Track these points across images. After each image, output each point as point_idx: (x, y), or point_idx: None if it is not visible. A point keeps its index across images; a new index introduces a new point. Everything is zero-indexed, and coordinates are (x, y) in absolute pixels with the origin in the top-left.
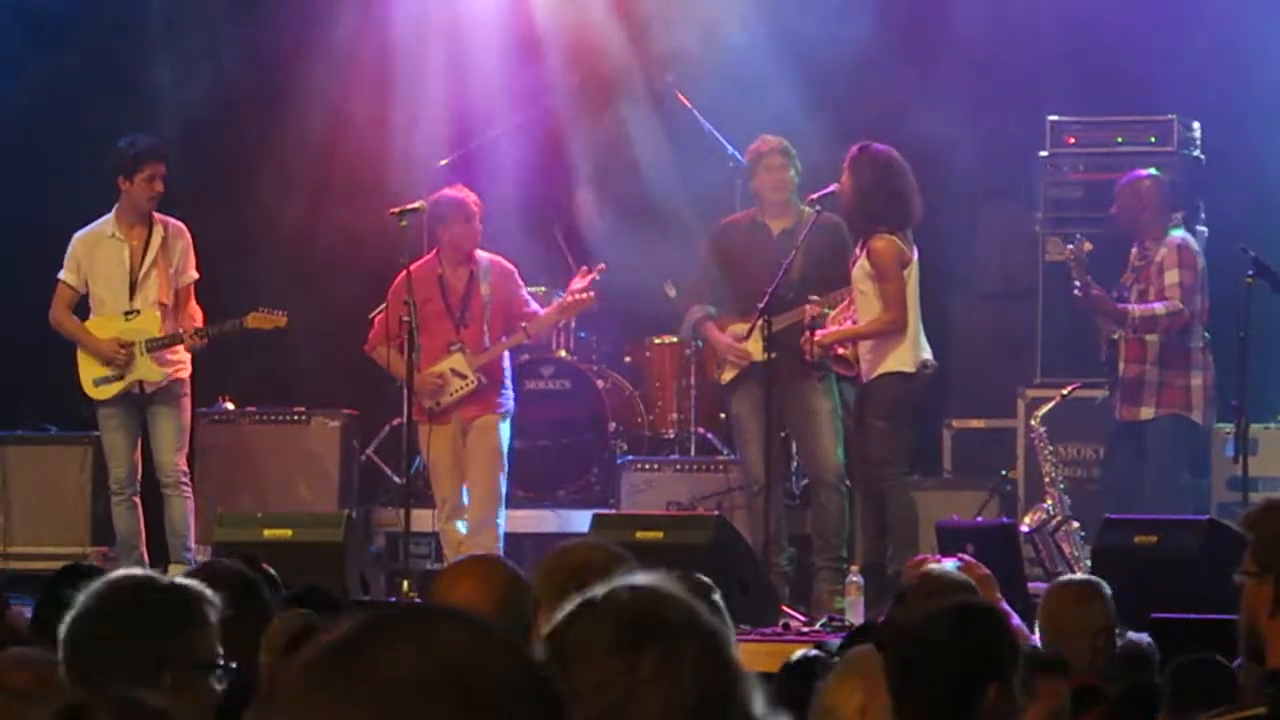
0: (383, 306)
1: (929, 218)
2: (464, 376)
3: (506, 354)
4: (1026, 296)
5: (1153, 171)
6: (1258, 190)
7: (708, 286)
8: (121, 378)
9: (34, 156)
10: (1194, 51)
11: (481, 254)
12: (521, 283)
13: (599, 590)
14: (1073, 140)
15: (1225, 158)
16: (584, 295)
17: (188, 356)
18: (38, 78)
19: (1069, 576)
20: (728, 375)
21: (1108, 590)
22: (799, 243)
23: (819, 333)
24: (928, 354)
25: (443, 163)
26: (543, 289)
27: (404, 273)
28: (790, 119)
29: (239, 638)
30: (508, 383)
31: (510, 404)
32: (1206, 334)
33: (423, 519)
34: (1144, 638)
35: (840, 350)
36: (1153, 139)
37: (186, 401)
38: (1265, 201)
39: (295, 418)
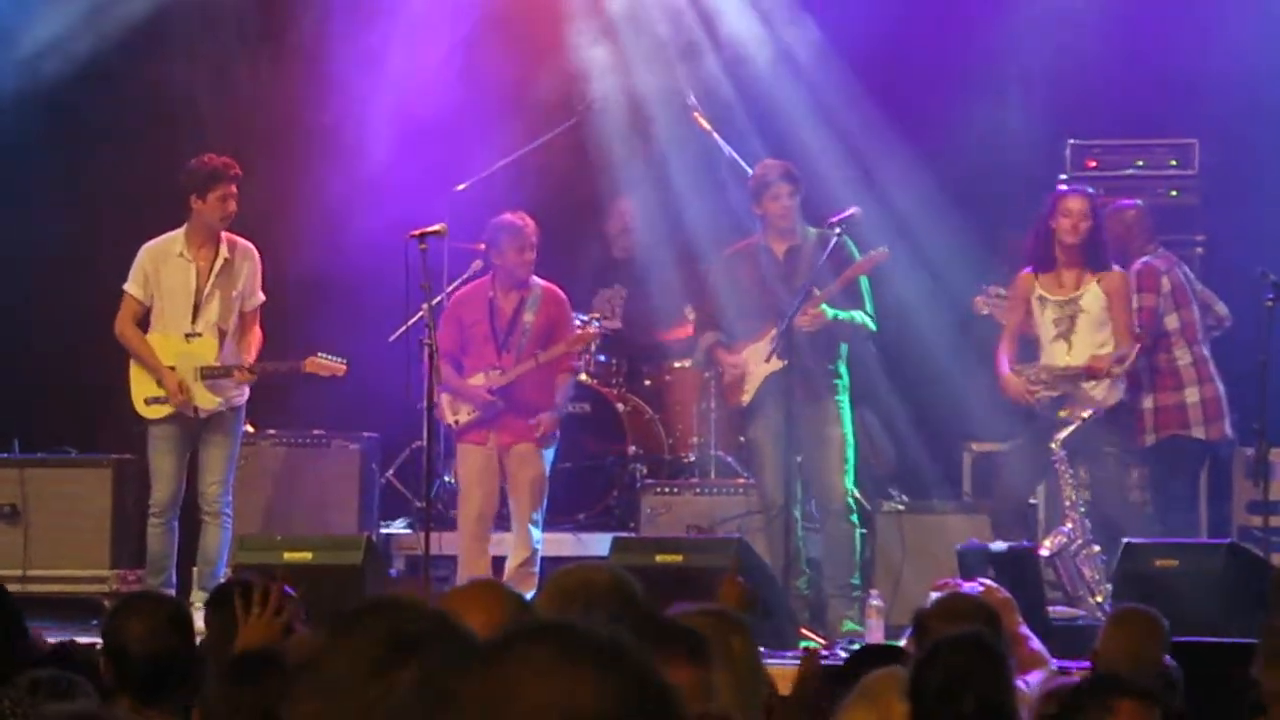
0: (405, 328)
1: (950, 243)
2: (492, 395)
3: (571, 382)
4: None
5: (1137, 202)
6: (1276, 214)
7: (718, 315)
8: (173, 399)
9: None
10: (1214, 75)
11: (536, 281)
12: (570, 313)
13: (352, 613)
14: (1093, 164)
15: (1244, 181)
16: (589, 331)
17: (244, 386)
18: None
19: (1133, 605)
20: (746, 397)
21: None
22: (817, 267)
23: (1102, 360)
24: None
25: (461, 187)
26: (595, 316)
27: (451, 296)
28: (805, 141)
29: None
30: (545, 412)
31: (549, 429)
32: (1203, 348)
33: (443, 541)
34: (1170, 662)
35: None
36: (1174, 162)
37: (239, 431)
38: None
39: (315, 441)
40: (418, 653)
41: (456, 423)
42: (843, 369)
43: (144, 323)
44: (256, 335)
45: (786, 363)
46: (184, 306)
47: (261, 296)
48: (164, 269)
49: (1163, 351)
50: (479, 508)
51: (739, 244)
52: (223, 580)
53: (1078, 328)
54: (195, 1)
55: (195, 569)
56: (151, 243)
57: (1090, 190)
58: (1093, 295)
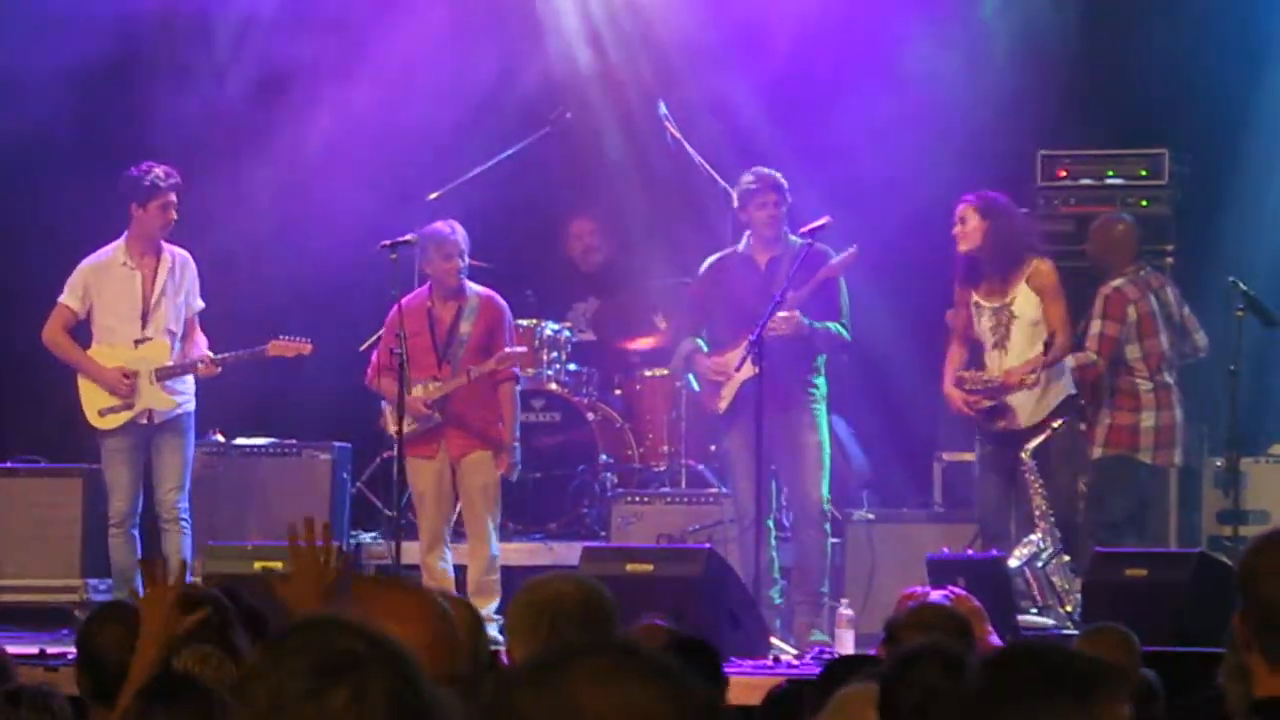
0: (375, 337)
1: (919, 251)
2: (429, 408)
3: (515, 390)
4: None
5: (1126, 217)
6: (1246, 224)
7: (699, 322)
8: (129, 407)
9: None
10: (1184, 84)
11: (474, 289)
12: (508, 320)
13: (282, 634)
14: (1064, 173)
15: (1214, 191)
16: (515, 351)
17: (193, 389)
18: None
19: (1104, 622)
20: (723, 404)
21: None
22: (790, 276)
23: (1014, 373)
24: None
25: (433, 196)
26: (534, 321)
27: (396, 306)
28: (773, 151)
29: None
30: (494, 421)
31: (495, 437)
32: (1166, 376)
33: (413, 551)
34: (1149, 673)
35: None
36: (1144, 172)
37: (192, 436)
38: (1253, 235)
39: (286, 450)
40: (352, 673)
41: (396, 434)
42: (820, 379)
43: (81, 337)
44: (201, 339)
45: (758, 369)
46: (131, 314)
47: (201, 303)
48: (106, 281)
49: (1124, 376)
50: (436, 520)
51: (723, 252)
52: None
53: (1012, 334)
54: (165, 19)
55: None
56: (91, 257)
57: (983, 195)
58: (1024, 298)
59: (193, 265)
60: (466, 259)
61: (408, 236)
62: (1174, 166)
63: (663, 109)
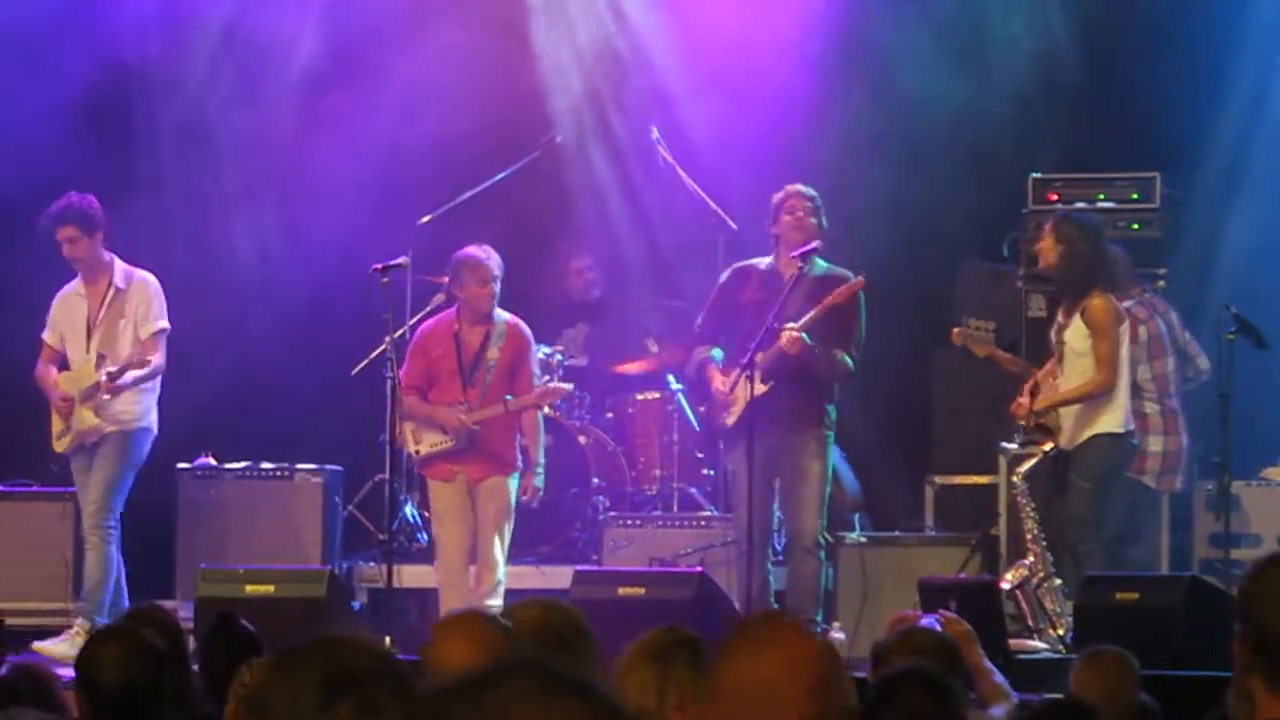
0: (367, 360)
1: (910, 272)
2: (444, 433)
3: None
4: (1009, 352)
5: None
6: (1238, 247)
7: (718, 329)
8: (68, 430)
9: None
10: (1176, 109)
11: (502, 315)
12: (532, 348)
13: (294, 651)
14: (1055, 197)
15: (1206, 214)
16: (559, 387)
17: (137, 409)
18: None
19: (1102, 646)
20: (731, 419)
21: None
22: (788, 284)
23: (1034, 401)
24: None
25: (424, 220)
26: (559, 350)
27: (421, 327)
28: (765, 173)
29: None
30: (512, 443)
31: (519, 461)
32: (1174, 400)
33: (406, 575)
34: (1147, 698)
35: (1043, 420)
36: (1135, 196)
37: (129, 455)
38: (1244, 258)
39: (278, 473)
40: (358, 689)
41: (418, 453)
42: (831, 406)
43: (65, 366)
44: (157, 361)
45: (768, 387)
46: (79, 340)
47: (160, 324)
48: (65, 311)
49: (1133, 399)
50: (456, 543)
51: (747, 261)
52: (109, 615)
53: (1065, 361)
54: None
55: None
56: (61, 289)
57: (1065, 216)
58: (1075, 329)
59: (150, 287)
60: (500, 284)
61: (399, 260)
62: (1165, 190)
63: (655, 133)
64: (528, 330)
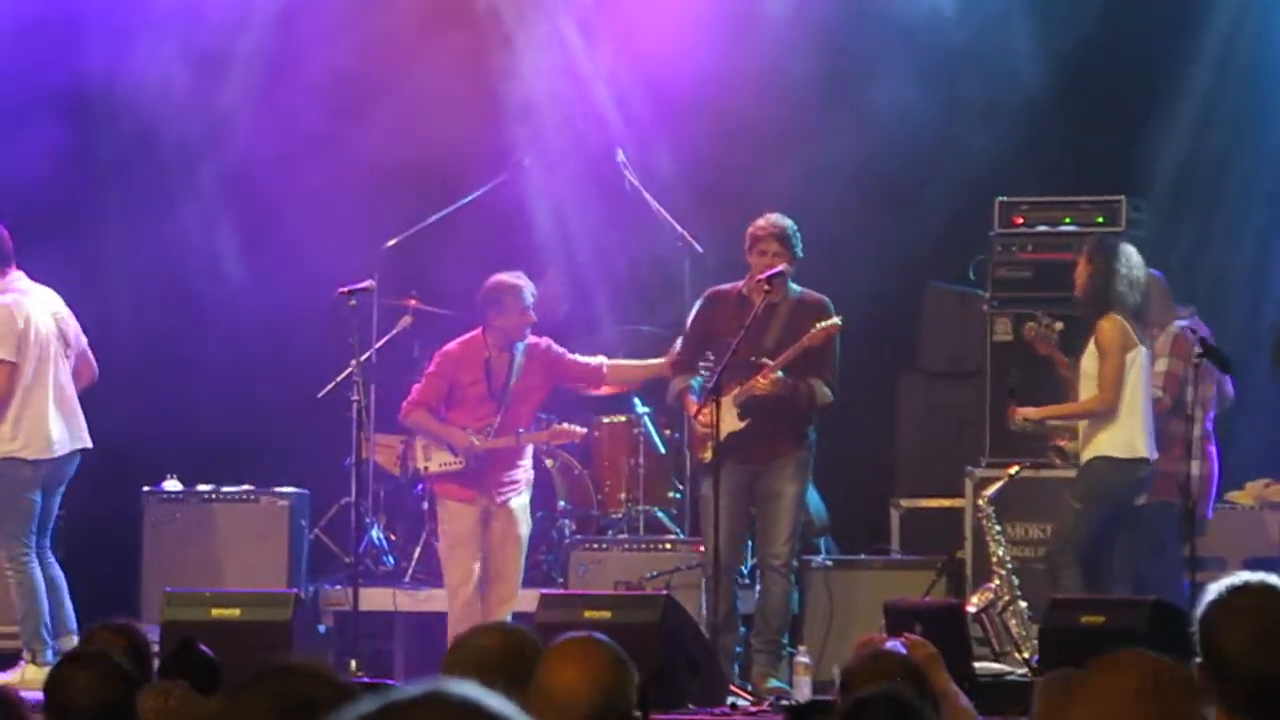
0: (333, 384)
1: (877, 299)
2: (453, 454)
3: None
4: (974, 376)
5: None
6: (1203, 270)
7: (695, 357)
8: None
9: None
10: (1142, 131)
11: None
12: (561, 353)
13: (247, 679)
14: (1021, 220)
15: (1171, 237)
16: (573, 430)
17: (53, 437)
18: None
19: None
20: (708, 454)
21: None
22: (757, 311)
23: (1024, 410)
24: (1146, 449)
25: (390, 243)
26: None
27: (446, 351)
28: (730, 196)
29: None
30: (523, 461)
31: (532, 473)
32: (1209, 425)
33: (371, 598)
34: None
35: (1061, 442)
36: (1101, 219)
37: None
38: (1210, 281)
39: (244, 496)
40: (313, 715)
41: (426, 469)
42: (810, 430)
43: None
44: (85, 374)
45: (744, 424)
46: None
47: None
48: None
49: (1180, 419)
50: (469, 567)
51: (722, 287)
52: (56, 631)
53: (1081, 382)
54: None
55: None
56: None
57: (1098, 239)
58: (1089, 352)
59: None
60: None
61: (366, 283)
62: (1131, 213)
63: (620, 156)
64: (544, 340)
